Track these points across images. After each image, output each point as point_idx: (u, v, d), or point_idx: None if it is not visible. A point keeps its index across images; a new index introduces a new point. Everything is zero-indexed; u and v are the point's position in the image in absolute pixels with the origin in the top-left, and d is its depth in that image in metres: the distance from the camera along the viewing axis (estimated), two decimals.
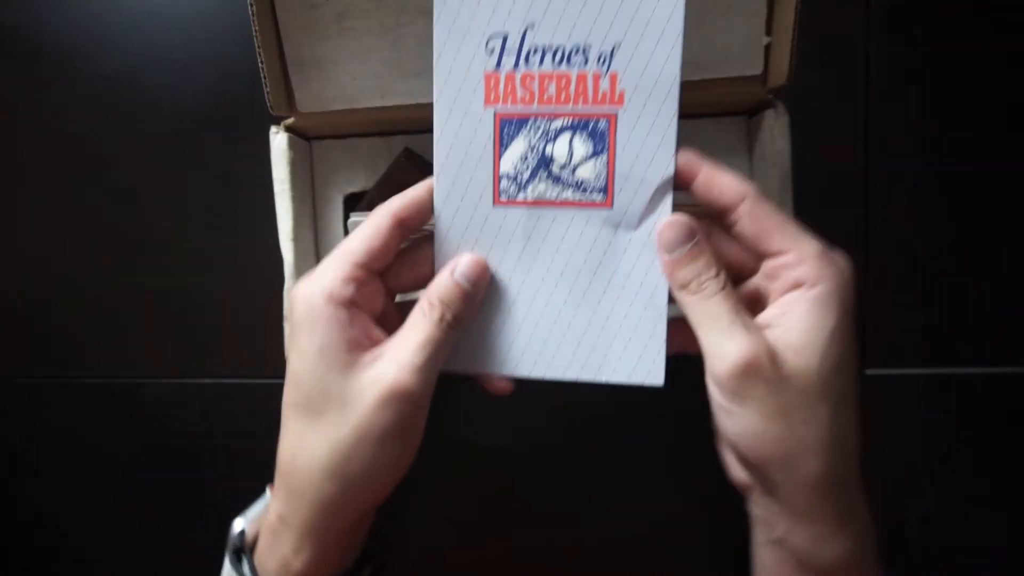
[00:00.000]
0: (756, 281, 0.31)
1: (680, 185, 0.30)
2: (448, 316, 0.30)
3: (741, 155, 0.40)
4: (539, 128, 0.31)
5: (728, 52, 0.36)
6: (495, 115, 0.31)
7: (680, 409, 0.40)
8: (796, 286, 0.29)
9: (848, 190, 0.44)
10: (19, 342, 0.48)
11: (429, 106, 0.31)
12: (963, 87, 0.43)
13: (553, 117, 0.31)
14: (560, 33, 0.30)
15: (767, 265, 0.30)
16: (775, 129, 0.37)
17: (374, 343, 0.31)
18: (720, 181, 0.30)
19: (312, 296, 0.30)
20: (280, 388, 0.48)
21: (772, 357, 0.28)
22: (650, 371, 0.31)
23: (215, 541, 0.48)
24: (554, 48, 0.30)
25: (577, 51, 0.30)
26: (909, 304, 0.45)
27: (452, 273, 0.31)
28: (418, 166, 0.40)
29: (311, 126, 0.39)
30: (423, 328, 0.30)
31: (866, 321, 0.45)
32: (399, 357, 0.30)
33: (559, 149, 0.31)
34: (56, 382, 0.48)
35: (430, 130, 0.31)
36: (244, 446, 0.47)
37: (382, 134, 0.41)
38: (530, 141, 0.31)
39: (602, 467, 0.45)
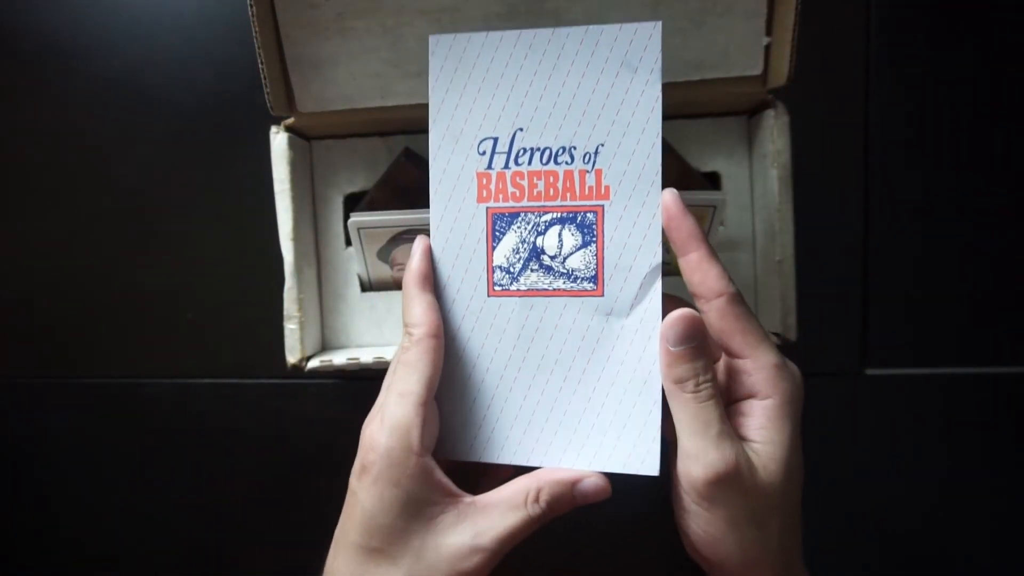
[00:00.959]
0: (717, 368, 0.32)
1: (674, 245, 0.31)
2: (543, 507, 0.30)
3: (741, 155, 0.40)
4: (530, 222, 0.32)
5: (728, 52, 0.36)
6: (487, 211, 0.32)
7: None
8: (751, 394, 0.30)
9: (848, 190, 0.44)
10: (19, 342, 0.48)
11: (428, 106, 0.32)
12: (963, 87, 0.43)
13: (543, 211, 0.32)
14: (547, 136, 0.32)
15: (728, 364, 0.31)
16: (775, 129, 0.37)
17: (447, 493, 0.31)
18: (707, 271, 0.30)
19: (394, 449, 0.30)
20: (280, 388, 0.48)
21: (748, 467, 0.29)
22: (644, 460, 0.32)
23: (215, 541, 0.49)
24: (542, 149, 0.32)
25: (564, 151, 0.32)
26: (909, 304, 0.45)
27: (574, 484, 0.31)
28: (418, 166, 0.40)
29: (311, 126, 0.39)
30: (516, 520, 0.30)
31: (866, 321, 0.45)
32: (486, 530, 0.30)
33: (549, 241, 0.32)
34: (56, 382, 0.48)
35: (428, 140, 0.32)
36: (244, 446, 0.47)
37: (382, 134, 0.41)
38: (521, 234, 0.32)
39: None
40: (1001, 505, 0.46)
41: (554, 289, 0.32)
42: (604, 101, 0.31)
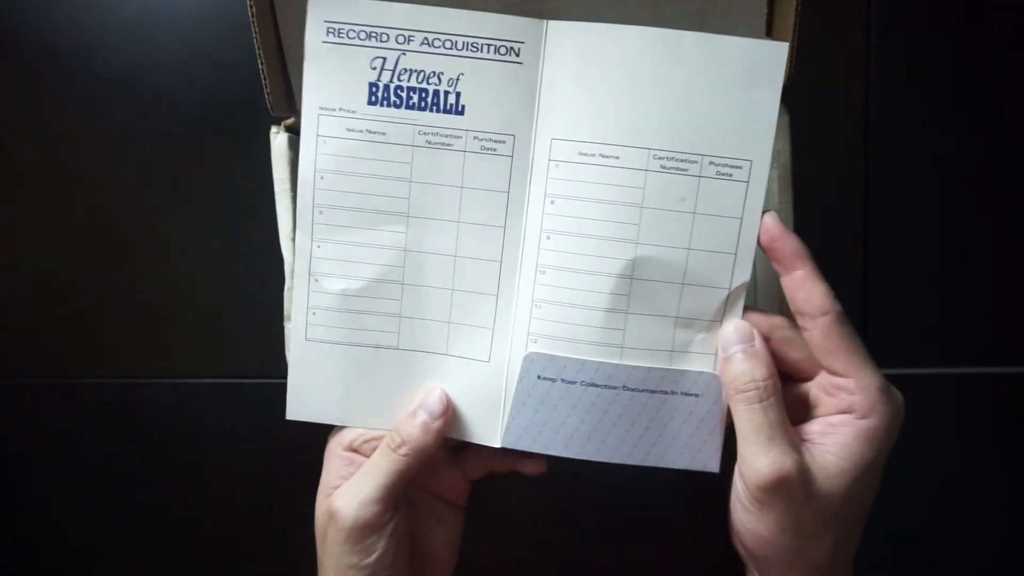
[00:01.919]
0: (810, 387, 0.32)
1: (776, 264, 0.31)
2: (406, 449, 0.32)
3: None
4: None
5: None
6: None
7: None
8: (847, 411, 0.30)
9: (848, 190, 0.44)
10: (19, 342, 0.48)
11: None
12: (963, 87, 0.43)
13: None
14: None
15: (825, 379, 0.31)
16: (775, 129, 0.37)
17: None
18: (812, 289, 0.30)
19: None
20: (281, 388, 0.48)
21: (803, 477, 0.29)
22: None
23: (215, 541, 0.49)
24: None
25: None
26: (909, 304, 0.45)
27: (416, 409, 0.33)
28: None
29: None
30: (381, 463, 0.33)
31: (866, 321, 0.45)
32: (348, 491, 0.33)
33: None
34: (56, 382, 0.48)
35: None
36: (244, 446, 0.47)
37: None
38: None
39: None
40: (1007, 505, 0.46)
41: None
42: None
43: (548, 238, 0.32)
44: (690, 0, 0.35)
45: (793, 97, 0.37)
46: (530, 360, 0.33)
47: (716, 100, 0.30)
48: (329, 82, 0.32)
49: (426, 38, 0.31)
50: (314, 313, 0.34)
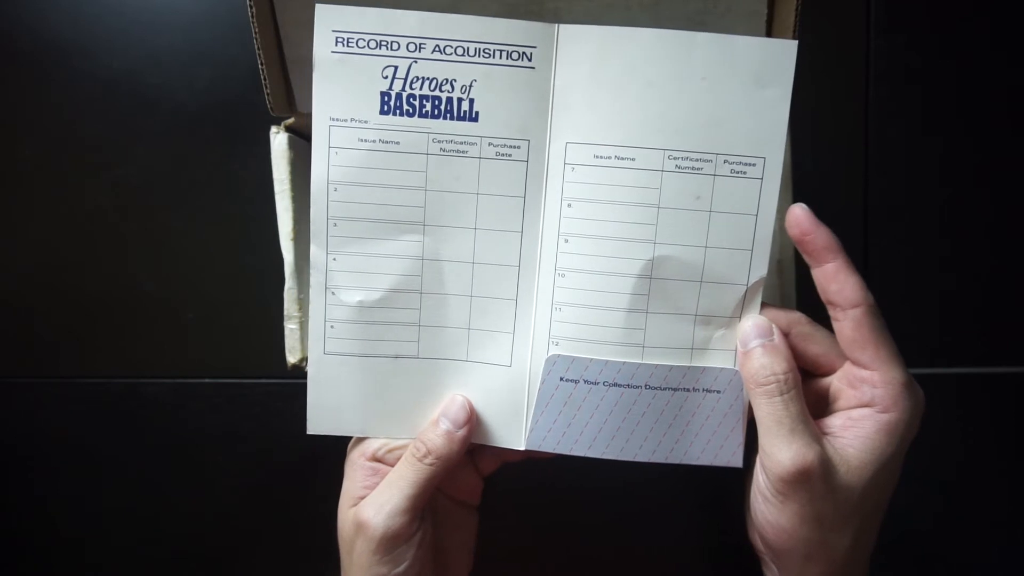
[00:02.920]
0: (830, 381, 0.32)
1: (808, 256, 0.31)
2: (431, 459, 0.33)
3: None
4: None
5: None
6: None
7: None
8: (869, 405, 0.30)
9: (848, 190, 0.44)
10: (19, 342, 0.48)
11: None
12: (963, 87, 0.43)
13: None
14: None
15: (849, 371, 0.31)
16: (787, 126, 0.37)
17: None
18: (845, 281, 0.30)
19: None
20: (280, 388, 0.48)
21: (825, 469, 0.29)
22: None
23: (215, 541, 0.49)
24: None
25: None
26: (909, 304, 0.45)
27: (439, 417, 0.33)
28: None
29: (311, 126, 0.39)
30: (406, 472, 0.33)
31: None
32: (376, 501, 0.33)
33: None
34: (56, 382, 0.48)
35: None
36: (244, 446, 0.47)
37: None
38: None
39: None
40: (1009, 506, 0.46)
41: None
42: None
43: (566, 241, 0.32)
44: (690, 0, 0.35)
45: (793, 97, 0.37)
46: (552, 362, 0.33)
47: (728, 99, 0.31)
48: (339, 93, 0.32)
49: (437, 45, 0.31)
50: (332, 326, 0.33)
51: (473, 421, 0.33)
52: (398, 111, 0.32)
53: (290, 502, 0.48)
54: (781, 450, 0.29)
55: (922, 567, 0.46)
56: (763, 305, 0.32)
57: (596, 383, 0.33)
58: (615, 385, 0.32)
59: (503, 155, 0.32)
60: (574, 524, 0.46)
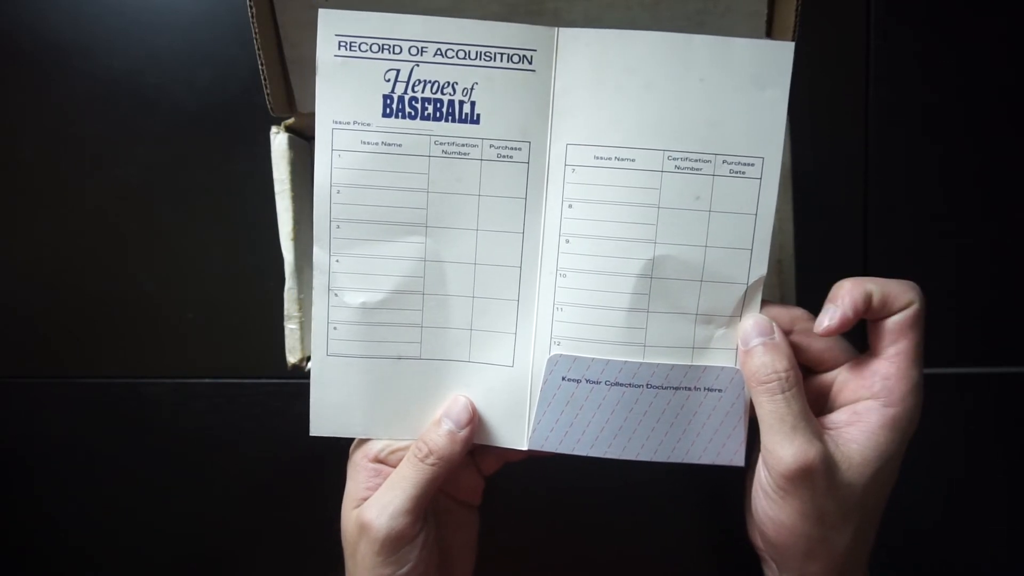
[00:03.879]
0: (832, 376, 0.32)
1: (863, 314, 0.31)
2: (433, 459, 0.33)
3: None
4: None
5: None
6: None
7: None
8: (875, 397, 0.30)
9: (848, 190, 0.44)
10: (19, 342, 0.48)
11: None
12: (963, 86, 0.44)
13: None
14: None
15: (863, 361, 0.31)
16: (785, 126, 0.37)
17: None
18: (891, 293, 0.30)
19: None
20: (280, 388, 0.48)
21: (827, 466, 0.29)
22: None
23: (215, 541, 0.49)
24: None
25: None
26: None
27: (442, 417, 0.33)
28: None
29: (311, 126, 0.39)
30: (409, 473, 0.33)
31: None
32: (379, 502, 0.33)
33: None
34: (56, 382, 0.48)
35: None
36: (244, 446, 0.47)
37: None
38: None
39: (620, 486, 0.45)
40: (1011, 506, 0.46)
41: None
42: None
43: (567, 242, 0.33)
44: (690, 0, 0.35)
45: (793, 97, 0.37)
46: (554, 362, 0.33)
47: (727, 100, 0.31)
48: (342, 96, 0.32)
49: (439, 49, 0.31)
50: (335, 328, 0.33)
51: (475, 422, 0.34)
52: (400, 114, 0.32)
53: (291, 502, 0.48)
54: (783, 447, 0.29)
55: (923, 567, 0.46)
56: (764, 302, 0.32)
57: (598, 383, 0.33)
58: (617, 385, 0.33)
59: (504, 157, 0.32)
60: (576, 524, 0.47)
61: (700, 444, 0.33)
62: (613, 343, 0.32)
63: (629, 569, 0.47)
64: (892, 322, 0.30)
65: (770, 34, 0.35)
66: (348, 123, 0.32)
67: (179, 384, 0.47)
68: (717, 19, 0.35)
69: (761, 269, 0.32)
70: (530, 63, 0.32)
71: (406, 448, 0.34)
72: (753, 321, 0.32)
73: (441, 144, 0.32)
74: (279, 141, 0.38)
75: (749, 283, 0.32)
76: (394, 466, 0.34)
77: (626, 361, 0.32)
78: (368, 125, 0.32)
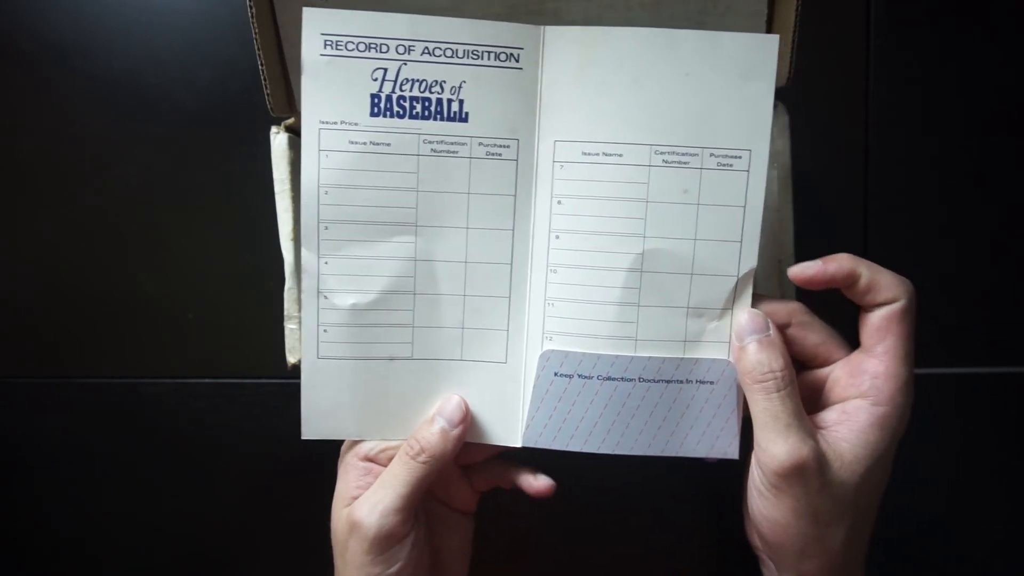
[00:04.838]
0: (826, 372, 0.33)
1: (843, 287, 0.32)
2: (424, 456, 0.33)
3: None
4: None
5: None
6: None
7: None
8: (864, 396, 0.30)
9: (848, 190, 0.44)
10: (18, 342, 0.48)
11: None
12: (963, 87, 0.44)
13: None
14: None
15: (854, 359, 0.32)
16: (775, 129, 0.37)
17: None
18: (880, 282, 0.31)
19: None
20: (281, 388, 0.48)
21: (820, 464, 0.29)
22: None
23: (215, 541, 0.49)
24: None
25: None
26: None
27: (435, 416, 0.33)
28: None
29: None
30: (400, 471, 0.33)
31: None
32: (370, 501, 0.33)
33: None
34: (56, 382, 0.48)
35: None
36: (244, 446, 0.47)
37: None
38: None
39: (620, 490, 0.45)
40: (1009, 506, 0.46)
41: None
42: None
43: (557, 238, 0.33)
44: (690, 0, 0.35)
45: (793, 97, 0.37)
46: (546, 358, 0.33)
47: (713, 94, 0.31)
48: (329, 95, 0.32)
49: (427, 47, 0.31)
50: (325, 330, 0.33)
51: (468, 421, 0.33)
52: (388, 113, 0.32)
53: (291, 502, 0.48)
54: (777, 445, 0.29)
55: (921, 566, 0.46)
56: (761, 298, 0.32)
57: (590, 377, 0.33)
58: (609, 379, 0.33)
59: (493, 155, 0.32)
60: (573, 524, 0.46)
61: (694, 437, 0.33)
62: (605, 337, 0.32)
63: (628, 570, 0.47)
64: (878, 316, 0.31)
65: (770, 33, 0.35)
66: (335, 123, 0.32)
67: (179, 384, 0.47)
68: (717, 19, 0.35)
69: (751, 261, 0.32)
70: (517, 61, 0.32)
71: (397, 447, 0.34)
72: (748, 317, 0.32)
73: (430, 143, 0.32)
74: (279, 141, 0.38)
75: (740, 275, 0.32)
76: (384, 465, 0.34)
77: (618, 355, 0.32)
78: (356, 125, 0.32)
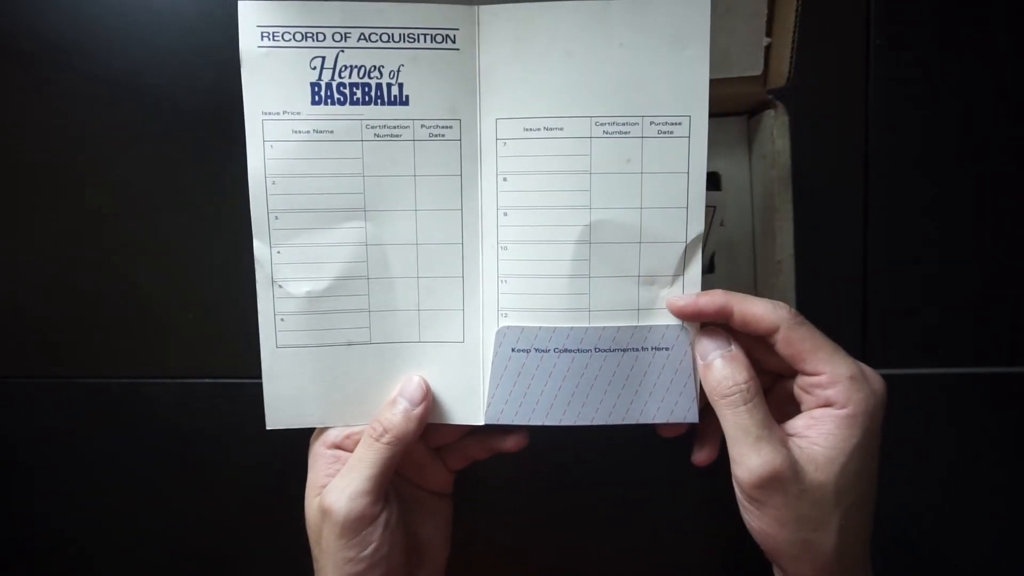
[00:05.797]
0: (793, 384, 0.33)
1: (721, 322, 0.32)
2: (388, 437, 0.33)
3: (741, 155, 0.40)
4: None
5: (728, 52, 0.36)
6: None
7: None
8: (827, 404, 0.31)
9: (848, 190, 0.44)
10: (18, 342, 0.48)
11: None
12: (963, 87, 0.43)
13: None
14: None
15: (802, 380, 0.32)
16: (775, 129, 0.37)
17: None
18: (753, 313, 0.31)
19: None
20: None
21: (794, 471, 0.30)
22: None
23: (215, 541, 0.49)
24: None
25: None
26: (909, 304, 0.45)
27: (396, 397, 0.34)
28: None
29: None
30: (365, 454, 0.33)
31: (866, 321, 0.45)
32: (338, 486, 0.33)
33: None
34: (56, 382, 0.48)
35: None
36: (244, 446, 0.47)
37: None
38: None
39: (620, 496, 0.45)
40: (1007, 506, 0.46)
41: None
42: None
43: (505, 214, 0.33)
44: None
45: (793, 97, 0.37)
46: (503, 334, 0.33)
47: (649, 62, 0.31)
48: (270, 86, 0.32)
49: (363, 34, 0.32)
50: (282, 319, 0.34)
51: (430, 399, 0.34)
52: (330, 100, 0.32)
53: (291, 502, 0.47)
54: (750, 458, 0.30)
55: (920, 566, 0.46)
56: (753, 298, 0.32)
57: (547, 351, 0.33)
58: (565, 351, 0.33)
59: (436, 136, 0.33)
60: (566, 519, 0.46)
61: (653, 404, 0.33)
62: (559, 310, 0.33)
63: (627, 567, 0.47)
64: (782, 340, 0.31)
65: (770, 34, 0.35)
66: (278, 113, 0.32)
67: (179, 384, 0.47)
68: (717, 19, 0.35)
69: (698, 227, 0.32)
70: (454, 42, 0.32)
71: (362, 432, 0.34)
72: (708, 335, 0.32)
73: (373, 127, 0.32)
74: None
75: (688, 241, 0.32)
76: (351, 451, 0.34)
77: (572, 327, 0.33)
78: (298, 114, 0.32)
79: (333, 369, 0.34)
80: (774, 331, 0.31)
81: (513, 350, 0.33)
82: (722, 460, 0.33)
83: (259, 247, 0.33)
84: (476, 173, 0.33)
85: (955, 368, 0.45)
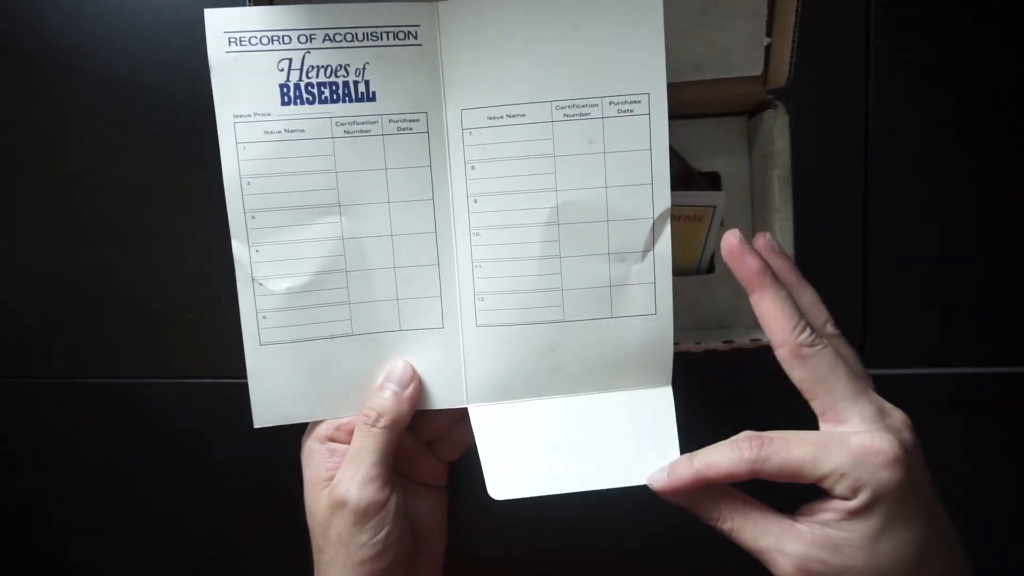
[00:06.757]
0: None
1: (742, 283, 0.32)
2: (384, 421, 0.34)
3: (741, 155, 0.40)
4: None
5: (728, 53, 0.36)
6: None
7: None
8: (843, 499, 0.29)
9: (848, 190, 0.44)
10: (19, 342, 0.48)
11: None
12: (963, 87, 0.43)
13: None
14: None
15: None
16: (775, 129, 0.37)
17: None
18: (770, 313, 0.30)
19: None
20: None
21: (822, 561, 0.28)
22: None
23: (215, 541, 0.49)
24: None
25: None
26: (909, 304, 0.45)
27: (383, 383, 0.35)
28: None
29: None
30: (364, 442, 0.34)
31: (866, 321, 0.45)
32: (346, 476, 0.34)
33: None
34: (56, 382, 0.48)
35: None
36: (244, 446, 0.47)
37: None
38: None
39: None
40: (1009, 506, 0.46)
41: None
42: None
43: (475, 201, 0.34)
44: (690, 1, 0.35)
45: (793, 97, 0.37)
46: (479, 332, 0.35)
47: (604, 44, 0.32)
48: (239, 90, 0.33)
49: (327, 34, 0.33)
50: (264, 317, 0.34)
51: (418, 381, 0.35)
52: (299, 100, 0.33)
53: (291, 502, 0.47)
54: (782, 550, 0.29)
55: None
56: (714, 445, 0.31)
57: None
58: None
59: (404, 129, 0.34)
60: (566, 520, 0.46)
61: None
62: (532, 291, 0.34)
63: (625, 559, 0.47)
64: (765, 472, 0.29)
65: (770, 34, 0.36)
66: (249, 115, 0.33)
67: (179, 384, 0.47)
68: (717, 19, 0.35)
69: (665, 202, 0.33)
70: (416, 38, 0.33)
71: (353, 422, 0.35)
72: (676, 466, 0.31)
73: (342, 124, 0.33)
74: None
75: (656, 216, 0.33)
76: (345, 441, 0.35)
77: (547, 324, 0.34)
78: (269, 115, 0.33)
79: (318, 363, 0.35)
80: (779, 346, 0.30)
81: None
82: None
83: (238, 247, 0.34)
84: (445, 163, 0.34)
85: (955, 368, 0.45)
